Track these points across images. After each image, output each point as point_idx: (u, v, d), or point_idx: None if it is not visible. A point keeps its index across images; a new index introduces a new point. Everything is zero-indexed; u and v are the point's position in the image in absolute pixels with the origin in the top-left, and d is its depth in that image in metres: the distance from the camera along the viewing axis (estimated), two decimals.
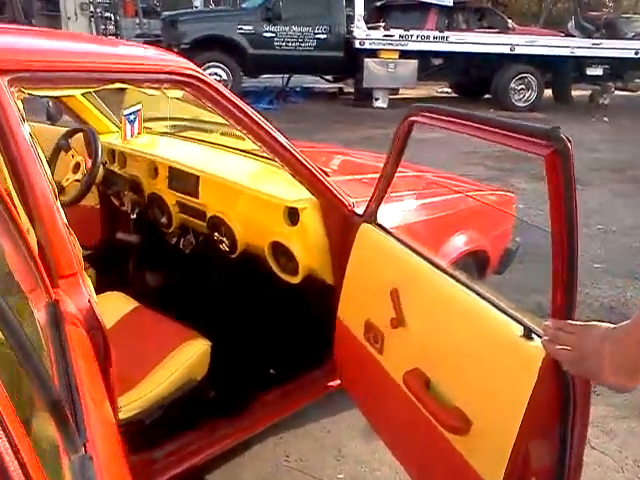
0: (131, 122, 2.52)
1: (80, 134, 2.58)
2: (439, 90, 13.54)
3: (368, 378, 1.95)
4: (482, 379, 1.40)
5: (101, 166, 2.59)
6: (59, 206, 1.44)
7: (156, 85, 1.66)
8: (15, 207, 1.24)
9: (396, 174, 2.75)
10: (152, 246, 2.79)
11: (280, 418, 2.17)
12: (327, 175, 2.12)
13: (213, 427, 1.99)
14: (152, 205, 2.67)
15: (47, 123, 3.05)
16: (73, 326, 1.27)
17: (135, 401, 1.82)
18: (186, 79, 1.69)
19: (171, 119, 2.93)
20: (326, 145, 3.65)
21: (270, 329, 2.43)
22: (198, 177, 2.40)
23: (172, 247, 2.67)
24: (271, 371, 2.39)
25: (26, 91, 1.42)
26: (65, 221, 1.45)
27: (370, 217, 1.94)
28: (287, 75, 11.70)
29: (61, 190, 2.55)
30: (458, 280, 1.56)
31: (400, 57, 10.82)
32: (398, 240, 1.80)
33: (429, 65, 11.46)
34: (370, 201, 1.93)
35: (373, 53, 10.75)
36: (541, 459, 1.31)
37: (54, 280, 1.38)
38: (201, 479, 2.06)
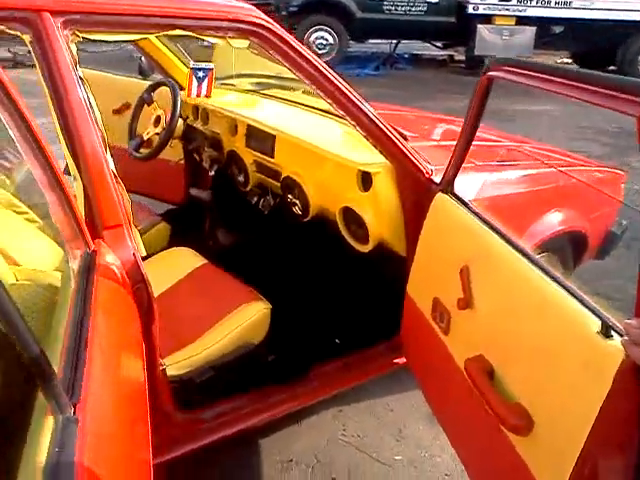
0: (199, 79, 2.47)
1: (164, 88, 2.56)
2: (558, 61, 12.66)
3: (432, 359, 1.82)
4: (550, 375, 1.23)
5: (182, 121, 2.57)
6: (108, 156, 1.39)
7: (219, 34, 1.57)
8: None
9: (488, 142, 2.57)
10: (228, 204, 2.75)
11: (338, 390, 2.07)
12: (405, 139, 1.97)
13: (266, 393, 1.93)
14: (230, 163, 2.62)
15: (139, 78, 3.09)
16: (108, 279, 1.22)
17: (187, 359, 1.78)
18: (252, 28, 1.59)
19: (256, 76, 2.85)
20: (416, 110, 3.43)
21: (337, 298, 2.33)
22: (274, 136, 2.31)
23: (248, 207, 2.62)
24: (336, 340, 2.29)
25: (80, 35, 1.37)
26: (114, 172, 1.40)
27: (446, 186, 1.77)
28: (395, 41, 11.34)
29: (142, 143, 2.56)
30: (535, 263, 1.38)
31: (516, 23, 10.17)
32: (474, 213, 1.63)
33: (548, 32, 10.67)
34: (447, 169, 1.76)
35: (487, 19, 10.16)
36: (612, 476, 1.13)
37: (97, 231, 1.35)
38: (249, 443, 2.02)
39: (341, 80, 1.77)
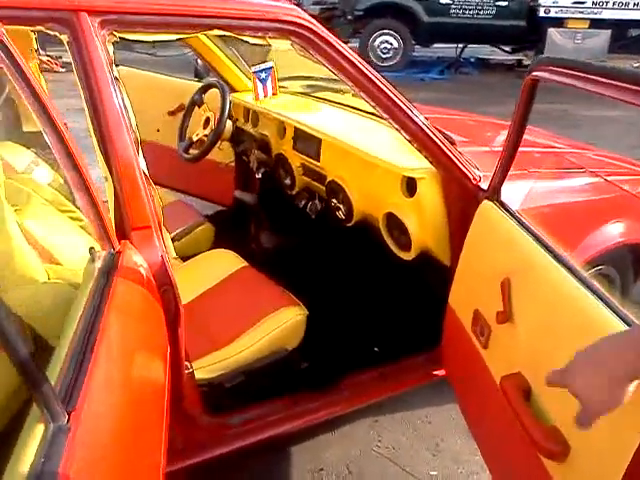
0: (262, 81, 2.46)
1: (215, 90, 2.57)
2: (635, 65, 12.10)
3: (470, 373, 1.73)
4: None
5: (231, 123, 2.57)
6: (140, 158, 1.39)
7: (259, 33, 1.54)
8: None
9: (545, 148, 2.45)
10: (274, 208, 2.74)
11: (373, 401, 2.01)
12: (453, 143, 1.89)
13: (298, 400, 1.89)
14: (278, 166, 2.60)
15: (195, 80, 3.12)
16: (130, 280, 1.21)
17: (218, 362, 1.77)
18: (293, 28, 1.55)
19: (307, 78, 2.83)
20: (475, 114, 3.32)
21: (377, 305, 2.28)
22: (320, 140, 2.28)
23: (294, 210, 2.59)
24: (375, 349, 2.24)
25: (118, 34, 1.37)
26: (145, 173, 1.40)
27: (492, 194, 1.69)
28: (461, 45, 11.13)
29: (191, 144, 2.58)
30: (582, 281, 1.28)
31: (590, 26, 9.79)
32: (519, 223, 1.54)
33: (624, 36, 10.23)
34: (493, 175, 1.67)
35: (559, 22, 9.83)
36: None
37: (125, 232, 1.34)
38: (280, 450, 1.98)
39: (385, 82, 1.71)
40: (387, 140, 2.21)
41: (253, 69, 2.52)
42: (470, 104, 6.62)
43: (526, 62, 11.59)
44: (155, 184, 3.45)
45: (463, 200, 1.85)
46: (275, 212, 2.78)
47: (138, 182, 1.36)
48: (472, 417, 1.73)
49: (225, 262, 2.22)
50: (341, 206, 2.22)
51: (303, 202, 2.60)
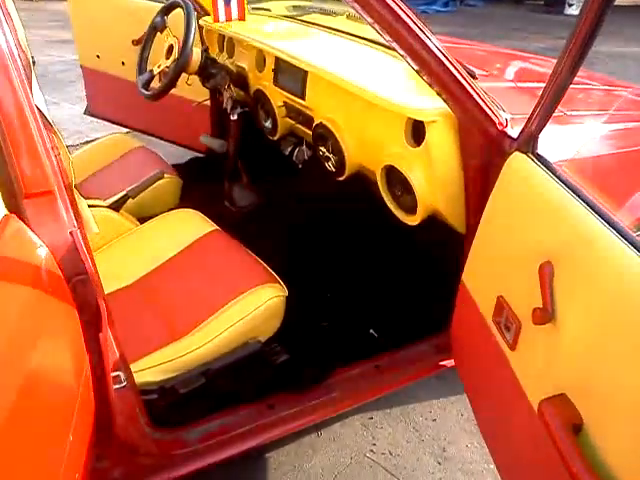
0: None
1: (181, 11, 2.10)
2: None
3: (488, 375, 1.37)
4: None
5: (199, 52, 2.12)
6: (34, 103, 0.97)
7: None
8: None
9: (579, 85, 2.02)
10: (252, 157, 2.31)
11: (368, 400, 1.65)
12: (474, 77, 1.47)
13: (275, 404, 1.54)
14: (256, 105, 2.17)
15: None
16: (14, 271, 0.82)
17: (172, 360, 1.40)
18: None
19: None
20: (485, 44, 2.84)
21: (372, 281, 1.90)
22: (306, 72, 1.84)
23: (276, 160, 2.18)
24: (371, 331, 1.87)
25: None
26: (44, 114, 0.98)
27: (527, 144, 1.27)
28: None
29: (152, 78, 2.14)
30: None
31: None
32: (567, 185, 1.14)
33: None
34: (529, 120, 1.25)
35: None
36: None
37: (15, 201, 0.94)
38: (254, 458, 1.64)
39: None
40: (390, 73, 1.79)
41: None
42: (473, 38, 6.10)
43: None
44: (122, 126, 3.02)
45: (485, 150, 1.45)
46: (253, 162, 2.36)
47: (30, 129, 0.94)
48: (489, 429, 1.38)
49: (189, 225, 1.82)
50: (331, 156, 1.82)
51: (289, 149, 2.18)
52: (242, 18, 2.19)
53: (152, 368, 1.39)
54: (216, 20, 2.15)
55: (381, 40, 1.82)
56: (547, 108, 1.19)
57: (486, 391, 1.40)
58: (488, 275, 1.37)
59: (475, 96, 1.37)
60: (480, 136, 1.44)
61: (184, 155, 3.04)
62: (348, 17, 2.11)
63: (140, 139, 2.61)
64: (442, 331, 1.67)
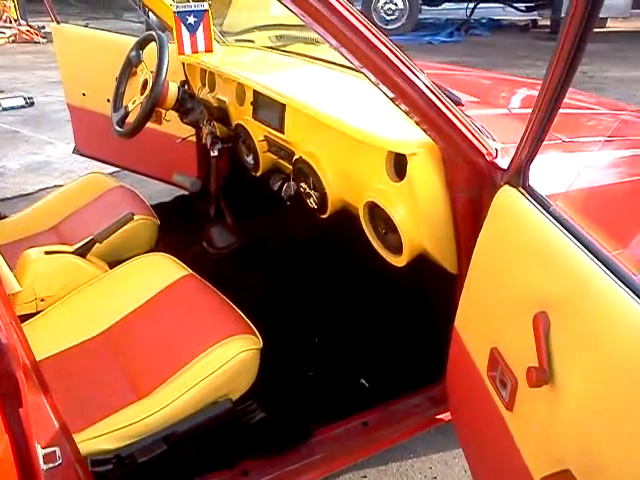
0: (189, 27, 1.88)
1: (153, 44, 2.01)
2: None
3: (486, 439, 1.21)
4: None
5: (176, 86, 2.02)
6: None
7: None
8: None
9: (579, 110, 1.89)
10: (234, 195, 2.19)
11: (354, 462, 1.49)
12: (458, 104, 1.35)
13: (248, 470, 1.37)
14: (237, 140, 2.06)
15: None
16: None
17: (130, 424, 1.25)
18: None
19: (277, 27, 2.26)
20: (481, 70, 2.71)
21: (360, 328, 1.75)
22: (283, 105, 1.73)
23: (259, 198, 2.06)
24: (362, 381, 1.71)
25: None
26: None
27: (516, 176, 1.13)
28: (472, 4, 10.36)
29: (127, 115, 2.04)
30: None
31: None
32: (561, 223, 0.99)
33: None
34: (517, 150, 1.12)
35: None
36: None
37: None
38: None
39: (367, 22, 1.15)
40: (374, 103, 1.66)
41: (175, 8, 1.94)
42: (479, 66, 6.01)
43: (541, 22, 10.88)
44: (110, 164, 2.92)
45: (473, 184, 1.31)
46: (237, 200, 2.24)
47: None
48: None
49: (160, 270, 1.69)
50: (312, 192, 1.69)
51: (277, 184, 2.06)
52: (209, 49, 2.08)
53: (108, 434, 1.24)
54: (181, 52, 2.06)
55: None
56: (536, 136, 1.05)
57: (484, 456, 1.24)
58: (480, 323, 1.22)
59: (459, 124, 1.23)
60: (467, 168, 1.30)
61: (173, 193, 2.94)
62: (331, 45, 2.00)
63: (126, 178, 2.50)
64: (438, 381, 1.51)
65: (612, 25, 10.27)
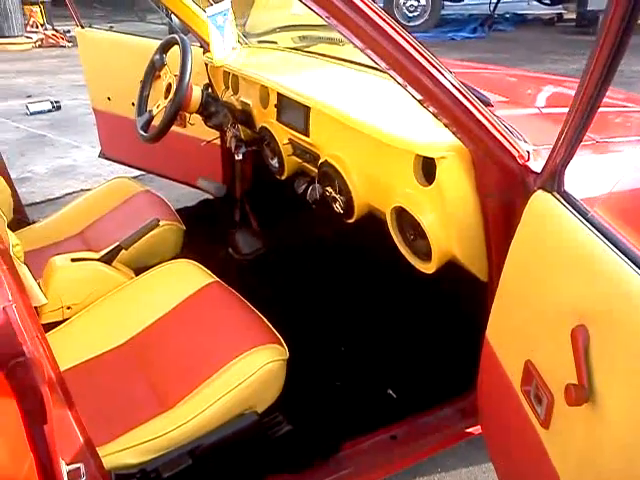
0: (221, 30, 1.85)
1: (176, 47, 1.99)
2: None
3: (519, 453, 1.17)
4: None
5: (200, 90, 2.00)
6: None
7: None
8: None
9: (612, 108, 1.83)
10: (260, 200, 2.17)
11: (384, 477, 1.45)
12: (488, 105, 1.30)
13: None
14: (262, 143, 2.04)
15: None
16: None
17: (155, 438, 1.23)
18: None
19: (300, 28, 2.22)
20: (505, 68, 2.65)
21: (387, 337, 1.71)
22: (308, 108, 1.70)
23: (284, 203, 2.03)
24: (389, 391, 1.67)
25: None
26: None
27: (551, 180, 1.09)
28: None
29: (151, 119, 2.03)
30: None
31: None
32: (600, 230, 0.95)
33: None
34: (552, 153, 1.07)
35: None
36: None
37: None
38: None
39: (397, 25, 1.11)
40: (401, 104, 1.63)
41: (207, 11, 1.92)
42: (503, 62, 5.92)
43: (567, 16, 10.69)
44: (135, 168, 2.93)
45: (505, 188, 1.27)
46: (263, 204, 2.21)
47: None
48: None
49: (186, 277, 1.68)
50: (338, 196, 1.66)
51: (302, 187, 2.03)
52: (234, 46, 2.05)
53: (132, 448, 1.23)
54: (218, 57, 2.03)
55: None
56: (572, 137, 1.00)
57: (517, 473, 1.20)
58: (513, 334, 1.18)
59: (489, 126, 1.19)
60: (498, 172, 1.26)
61: (199, 196, 2.93)
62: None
63: (152, 182, 2.50)
64: (468, 392, 1.47)
65: None
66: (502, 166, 1.24)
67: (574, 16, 10.18)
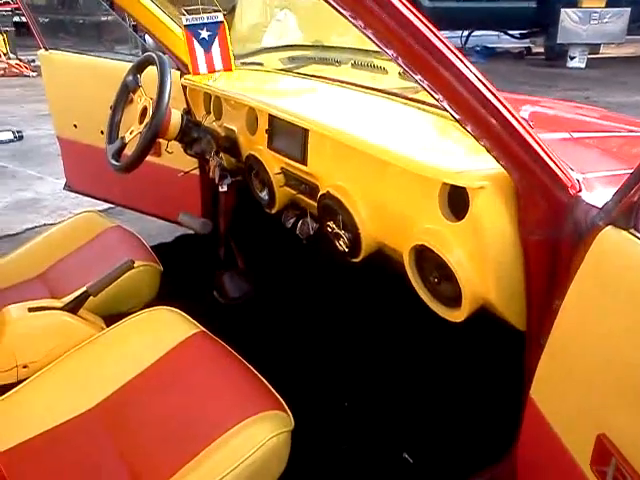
0: (203, 42, 1.65)
1: (152, 67, 1.78)
2: None
3: None
4: None
5: (179, 115, 1.79)
6: None
7: None
8: None
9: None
10: (246, 236, 1.94)
11: None
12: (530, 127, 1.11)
13: None
14: (249, 174, 1.82)
15: None
16: None
17: None
18: None
19: (289, 48, 2.04)
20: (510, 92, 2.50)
21: (405, 390, 1.49)
22: (306, 131, 1.50)
23: (274, 239, 1.81)
24: (405, 455, 1.45)
25: None
26: None
27: (625, 217, 0.89)
28: (466, 33, 10.31)
29: (123, 147, 1.80)
30: None
31: (607, 5, 8.95)
32: None
33: None
34: (625, 183, 0.88)
35: (572, 1, 9.01)
36: None
37: None
38: None
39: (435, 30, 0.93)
40: (412, 128, 1.44)
41: (185, 21, 1.72)
42: None
43: (535, 49, 10.91)
44: (104, 201, 2.68)
45: (552, 223, 1.07)
46: (250, 241, 1.99)
47: None
48: None
49: (166, 327, 1.44)
50: (342, 233, 1.45)
51: (291, 222, 1.82)
52: (228, 68, 1.86)
53: None
54: (195, 72, 1.83)
55: (397, 91, 1.51)
56: None
57: None
58: (577, 400, 0.97)
59: (539, 151, 1.00)
60: (545, 204, 1.06)
61: (175, 231, 2.69)
62: (353, 66, 1.78)
63: (122, 214, 2.26)
64: (500, 462, 1.26)
65: (605, 51, 10.26)
66: (550, 198, 1.05)
67: (542, 49, 10.36)
